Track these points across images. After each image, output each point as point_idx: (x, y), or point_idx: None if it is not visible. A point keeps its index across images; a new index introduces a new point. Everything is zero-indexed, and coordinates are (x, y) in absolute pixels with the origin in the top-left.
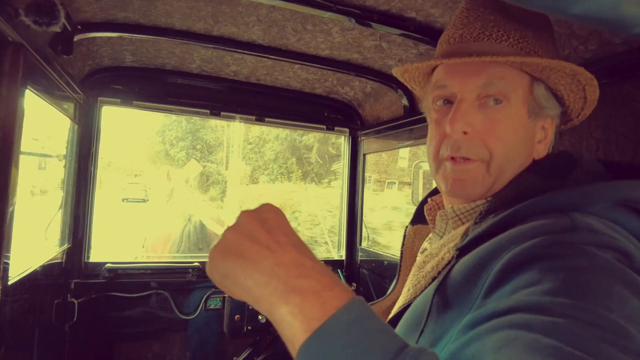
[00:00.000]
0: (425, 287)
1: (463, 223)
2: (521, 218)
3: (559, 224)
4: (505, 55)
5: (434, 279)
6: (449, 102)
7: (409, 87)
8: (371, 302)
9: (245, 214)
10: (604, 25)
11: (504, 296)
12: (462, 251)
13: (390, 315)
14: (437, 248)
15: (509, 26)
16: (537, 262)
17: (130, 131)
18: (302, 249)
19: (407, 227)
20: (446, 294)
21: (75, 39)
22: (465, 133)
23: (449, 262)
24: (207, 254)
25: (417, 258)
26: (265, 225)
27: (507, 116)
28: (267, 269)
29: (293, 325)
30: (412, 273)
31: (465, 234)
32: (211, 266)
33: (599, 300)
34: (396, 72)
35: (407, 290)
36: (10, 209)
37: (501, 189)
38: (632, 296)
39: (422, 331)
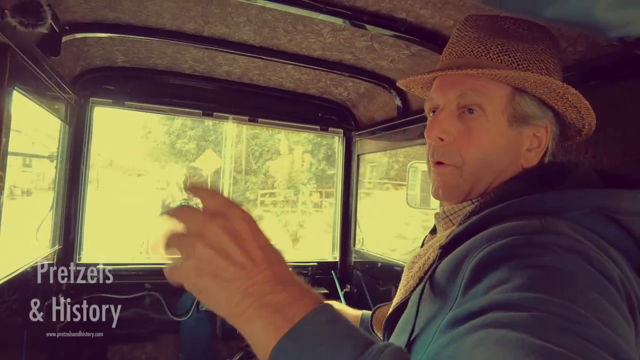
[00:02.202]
0: (414, 287)
1: (453, 224)
2: (500, 218)
3: (530, 226)
4: (479, 68)
5: (420, 278)
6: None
7: (416, 92)
8: (379, 305)
9: (214, 223)
10: (579, 27)
11: (478, 295)
12: (445, 250)
13: (386, 317)
14: (425, 249)
15: (490, 42)
16: (507, 261)
17: (131, 123)
18: (275, 262)
19: (426, 236)
20: (431, 293)
21: (64, 40)
22: (441, 140)
23: (434, 261)
24: None
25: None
26: (238, 239)
27: (481, 124)
28: (241, 288)
29: (264, 337)
30: (403, 274)
31: (451, 234)
32: (186, 281)
33: (562, 292)
34: (401, 85)
35: (399, 290)
36: None
37: (488, 192)
38: (592, 290)
39: (412, 331)
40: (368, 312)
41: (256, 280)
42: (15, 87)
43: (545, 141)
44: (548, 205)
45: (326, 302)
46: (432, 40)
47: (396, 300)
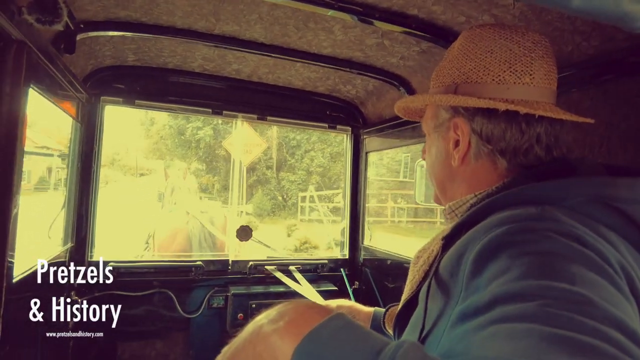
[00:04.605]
0: (420, 281)
1: (458, 217)
2: (498, 208)
3: (527, 214)
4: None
5: (426, 272)
6: None
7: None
8: (391, 305)
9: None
10: (606, 18)
11: (481, 287)
12: (447, 241)
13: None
14: (430, 242)
15: (435, 72)
16: (506, 250)
17: (131, 114)
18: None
19: None
20: (437, 289)
21: (77, 38)
22: (423, 159)
23: (437, 254)
24: (211, 254)
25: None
26: None
27: (427, 142)
28: None
29: (282, 347)
30: (410, 269)
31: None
32: None
33: (562, 276)
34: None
35: (406, 286)
36: (14, 207)
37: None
38: (590, 271)
39: (422, 328)
40: (380, 310)
41: None
42: (31, 85)
43: (464, 137)
44: (546, 194)
45: (339, 311)
46: (443, 36)
47: (404, 296)
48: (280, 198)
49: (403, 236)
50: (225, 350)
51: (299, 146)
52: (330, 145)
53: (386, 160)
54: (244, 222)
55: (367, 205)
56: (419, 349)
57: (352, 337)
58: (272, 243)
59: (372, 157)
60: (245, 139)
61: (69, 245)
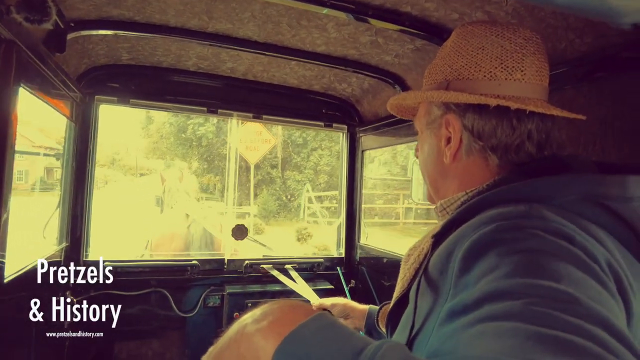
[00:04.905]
0: (410, 280)
1: (449, 215)
2: (488, 205)
3: (515, 212)
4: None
5: (416, 270)
6: None
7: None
8: (385, 302)
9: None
10: (591, 14)
11: (470, 285)
12: (437, 239)
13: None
14: (420, 240)
15: (428, 70)
16: (494, 248)
17: (130, 112)
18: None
19: None
20: (427, 286)
21: (69, 37)
22: (417, 157)
23: (427, 252)
24: (206, 253)
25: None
26: None
27: (419, 141)
28: None
29: (265, 346)
30: (400, 267)
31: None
32: None
33: (548, 274)
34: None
35: (397, 284)
36: (5, 208)
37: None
38: (576, 269)
39: (412, 326)
40: (374, 307)
41: None
42: (22, 84)
43: (456, 134)
44: (536, 192)
45: (324, 311)
46: (437, 34)
47: (396, 294)
48: (284, 198)
49: (414, 238)
50: (211, 349)
51: (305, 144)
52: (339, 144)
53: (400, 159)
54: (248, 224)
55: (363, 205)
56: (401, 349)
57: (334, 336)
58: (287, 251)
59: (383, 156)
60: (253, 135)
61: (64, 244)
